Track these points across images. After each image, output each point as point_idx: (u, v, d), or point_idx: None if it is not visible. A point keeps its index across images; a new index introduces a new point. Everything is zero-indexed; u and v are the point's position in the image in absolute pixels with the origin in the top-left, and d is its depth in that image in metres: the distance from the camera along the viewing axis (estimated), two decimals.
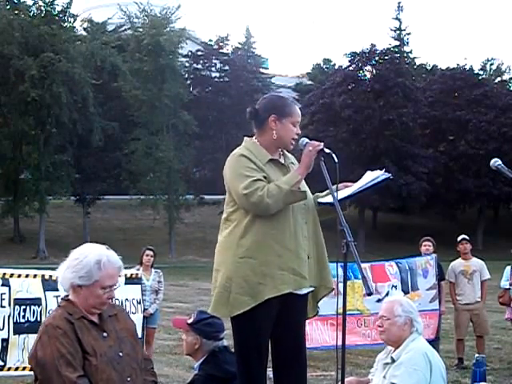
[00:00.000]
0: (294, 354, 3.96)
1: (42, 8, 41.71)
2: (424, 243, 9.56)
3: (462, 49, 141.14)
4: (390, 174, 4.00)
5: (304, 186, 3.97)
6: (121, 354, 3.29)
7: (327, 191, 3.95)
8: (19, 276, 6.55)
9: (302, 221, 3.92)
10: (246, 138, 4.07)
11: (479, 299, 9.57)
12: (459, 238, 9.75)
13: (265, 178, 3.82)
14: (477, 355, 9.20)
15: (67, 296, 3.37)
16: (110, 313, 3.41)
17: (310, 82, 58.91)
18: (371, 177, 3.99)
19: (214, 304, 3.88)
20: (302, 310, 3.99)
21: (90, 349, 3.19)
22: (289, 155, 4.12)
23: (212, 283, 3.95)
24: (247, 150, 3.93)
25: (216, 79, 53.12)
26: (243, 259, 3.79)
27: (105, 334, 3.30)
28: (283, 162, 4.03)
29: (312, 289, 3.96)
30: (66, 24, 42.24)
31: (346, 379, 4.16)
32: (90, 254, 3.29)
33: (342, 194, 3.90)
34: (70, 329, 3.19)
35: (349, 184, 4.03)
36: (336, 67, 53.11)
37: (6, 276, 6.41)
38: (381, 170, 4.03)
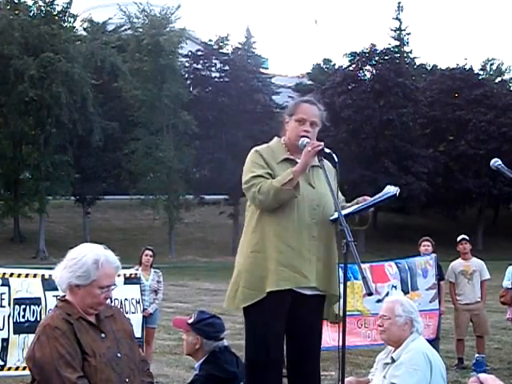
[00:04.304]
0: (306, 354, 4.00)
1: (42, 8, 41.79)
2: (423, 243, 9.54)
3: (462, 49, 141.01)
4: (397, 190, 3.83)
5: (321, 187, 3.93)
6: (119, 354, 3.29)
7: (353, 202, 3.98)
8: (19, 276, 6.54)
9: (312, 221, 3.90)
10: (275, 137, 4.14)
11: (479, 299, 9.55)
12: (459, 238, 9.74)
13: (270, 175, 3.86)
14: (477, 355, 9.23)
15: (64, 296, 3.35)
16: (107, 313, 3.40)
17: (310, 82, 58.80)
18: (383, 192, 3.91)
19: (226, 297, 4.01)
20: (314, 312, 3.99)
21: (89, 349, 3.18)
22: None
23: None
24: (266, 147, 4.02)
25: (216, 79, 53.00)
26: (252, 253, 3.90)
27: (103, 335, 3.29)
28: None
29: (318, 292, 3.95)
30: (65, 24, 42.34)
31: (346, 379, 4.16)
32: (87, 254, 3.27)
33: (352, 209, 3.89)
34: (69, 329, 3.18)
35: (368, 198, 3.99)
36: (336, 67, 53.12)
37: (6, 276, 6.40)
38: (395, 186, 3.91)
